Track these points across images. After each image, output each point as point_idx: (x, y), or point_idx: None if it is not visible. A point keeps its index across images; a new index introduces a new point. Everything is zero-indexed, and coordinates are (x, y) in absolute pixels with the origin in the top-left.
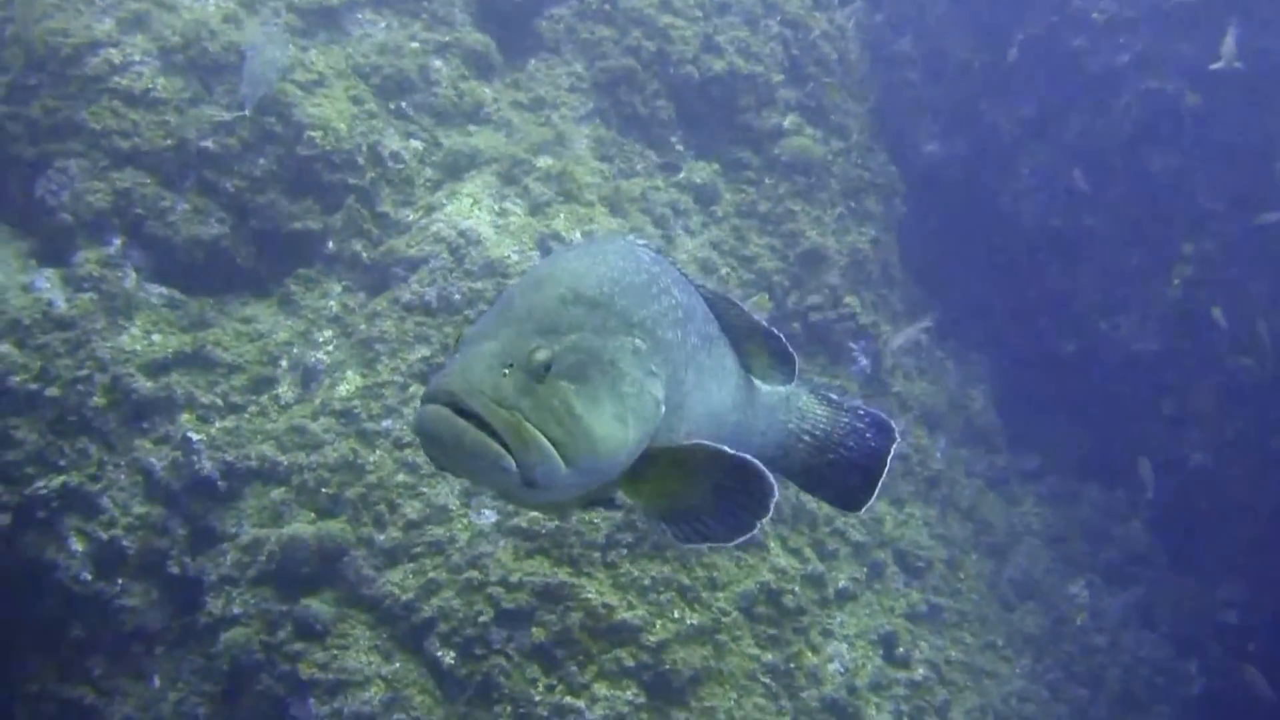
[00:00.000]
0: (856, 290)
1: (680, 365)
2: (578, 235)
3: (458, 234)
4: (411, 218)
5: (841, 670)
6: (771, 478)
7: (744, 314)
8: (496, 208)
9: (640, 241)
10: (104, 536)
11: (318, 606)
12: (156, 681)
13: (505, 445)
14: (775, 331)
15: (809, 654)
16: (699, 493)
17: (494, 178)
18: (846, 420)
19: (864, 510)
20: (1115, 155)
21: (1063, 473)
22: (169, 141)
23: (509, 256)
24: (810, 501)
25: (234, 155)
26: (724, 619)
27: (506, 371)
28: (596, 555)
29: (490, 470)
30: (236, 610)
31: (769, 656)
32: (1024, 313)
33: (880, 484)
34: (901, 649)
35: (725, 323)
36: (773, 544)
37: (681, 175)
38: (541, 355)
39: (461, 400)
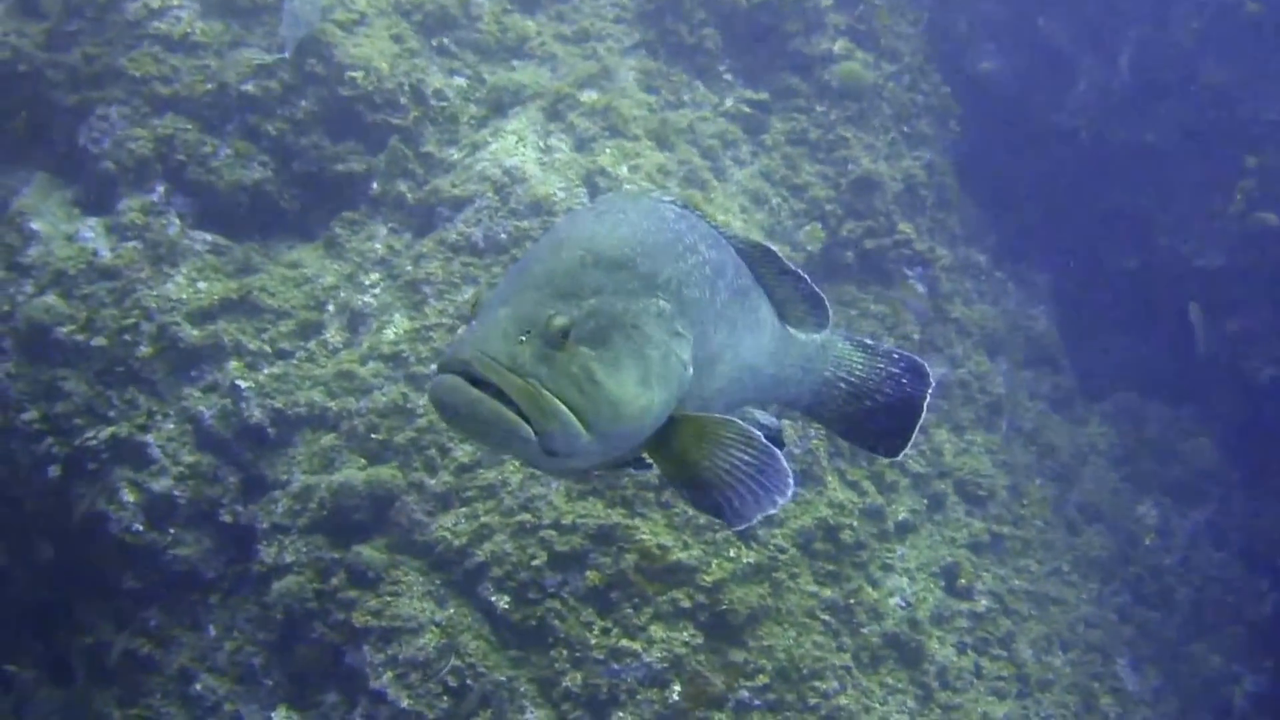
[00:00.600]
0: (911, 216)
1: (708, 323)
2: (624, 171)
3: (503, 172)
4: (456, 157)
5: (903, 605)
6: (789, 468)
7: (779, 261)
8: (541, 145)
9: (666, 198)
10: (155, 487)
11: (370, 553)
12: (212, 631)
13: (522, 414)
14: (808, 278)
15: (869, 589)
16: (719, 468)
17: (539, 114)
18: (882, 365)
19: (900, 455)
20: (1174, 67)
21: (1128, 391)
22: (209, 86)
23: (555, 194)
24: None
25: (275, 98)
26: (781, 557)
27: (523, 339)
28: (650, 496)
29: (509, 439)
30: (289, 559)
31: (828, 593)
32: (1084, 230)
33: (918, 428)
34: (964, 581)
35: (759, 272)
36: (830, 478)
37: (730, 105)
38: (559, 321)
39: (475, 370)
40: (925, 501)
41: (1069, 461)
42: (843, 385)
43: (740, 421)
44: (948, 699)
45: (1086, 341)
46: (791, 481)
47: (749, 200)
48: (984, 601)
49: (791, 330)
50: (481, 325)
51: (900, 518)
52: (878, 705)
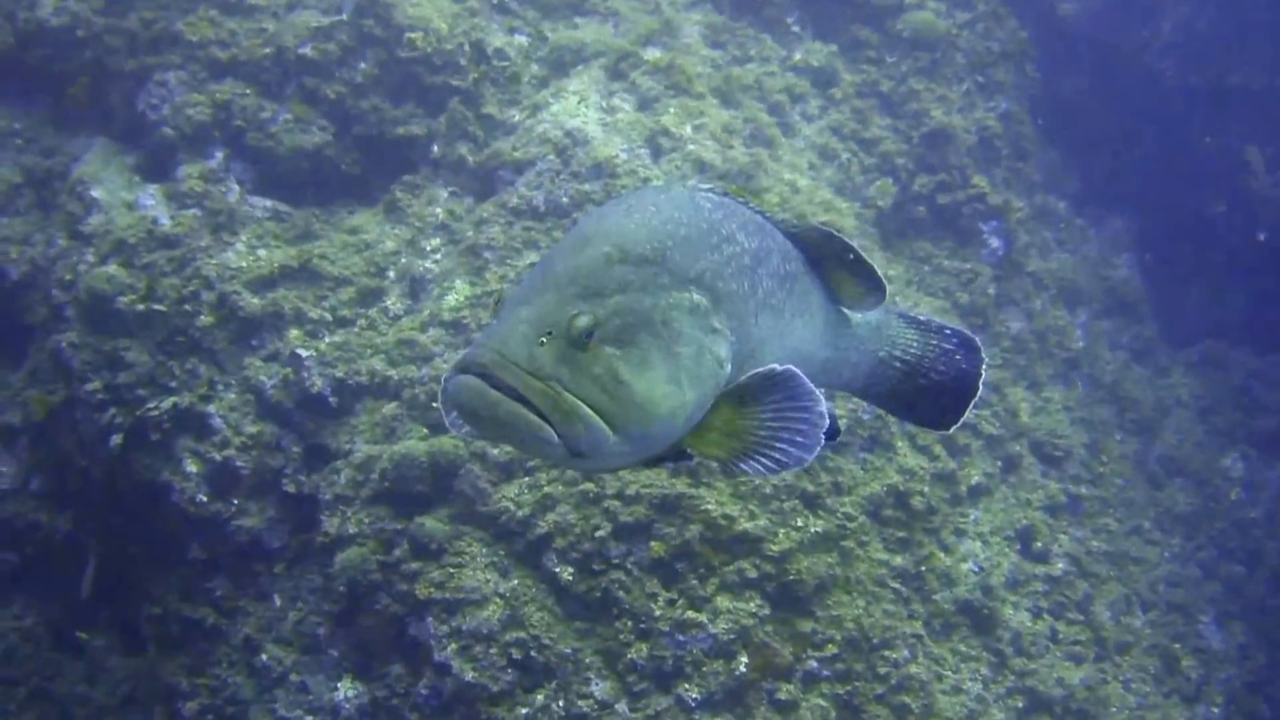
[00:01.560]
0: (986, 169)
1: (749, 315)
2: (688, 130)
3: (564, 134)
4: (517, 118)
5: (976, 570)
6: (803, 377)
7: (833, 241)
8: (604, 105)
9: (704, 186)
10: (217, 457)
11: (432, 524)
12: (277, 601)
13: (543, 417)
14: (865, 258)
15: (941, 556)
16: (761, 422)
17: (601, 73)
18: (936, 343)
19: (951, 430)
20: (1263, 6)
21: (1214, 339)
22: (267, 50)
23: (617, 156)
24: None
25: (334, 61)
26: (850, 525)
27: (544, 340)
28: (715, 465)
29: (531, 442)
30: (352, 530)
31: (898, 560)
32: (1169, 174)
33: (973, 404)
34: (1040, 544)
35: (814, 254)
36: (900, 444)
37: (798, 58)
38: (582, 321)
39: (493, 373)
40: (999, 464)
41: (1151, 414)
42: (898, 365)
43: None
44: (1022, 665)
45: (1170, 289)
46: (818, 394)
47: (817, 156)
48: (1060, 564)
49: (847, 312)
50: (501, 326)
51: (973, 481)
52: (950, 673)
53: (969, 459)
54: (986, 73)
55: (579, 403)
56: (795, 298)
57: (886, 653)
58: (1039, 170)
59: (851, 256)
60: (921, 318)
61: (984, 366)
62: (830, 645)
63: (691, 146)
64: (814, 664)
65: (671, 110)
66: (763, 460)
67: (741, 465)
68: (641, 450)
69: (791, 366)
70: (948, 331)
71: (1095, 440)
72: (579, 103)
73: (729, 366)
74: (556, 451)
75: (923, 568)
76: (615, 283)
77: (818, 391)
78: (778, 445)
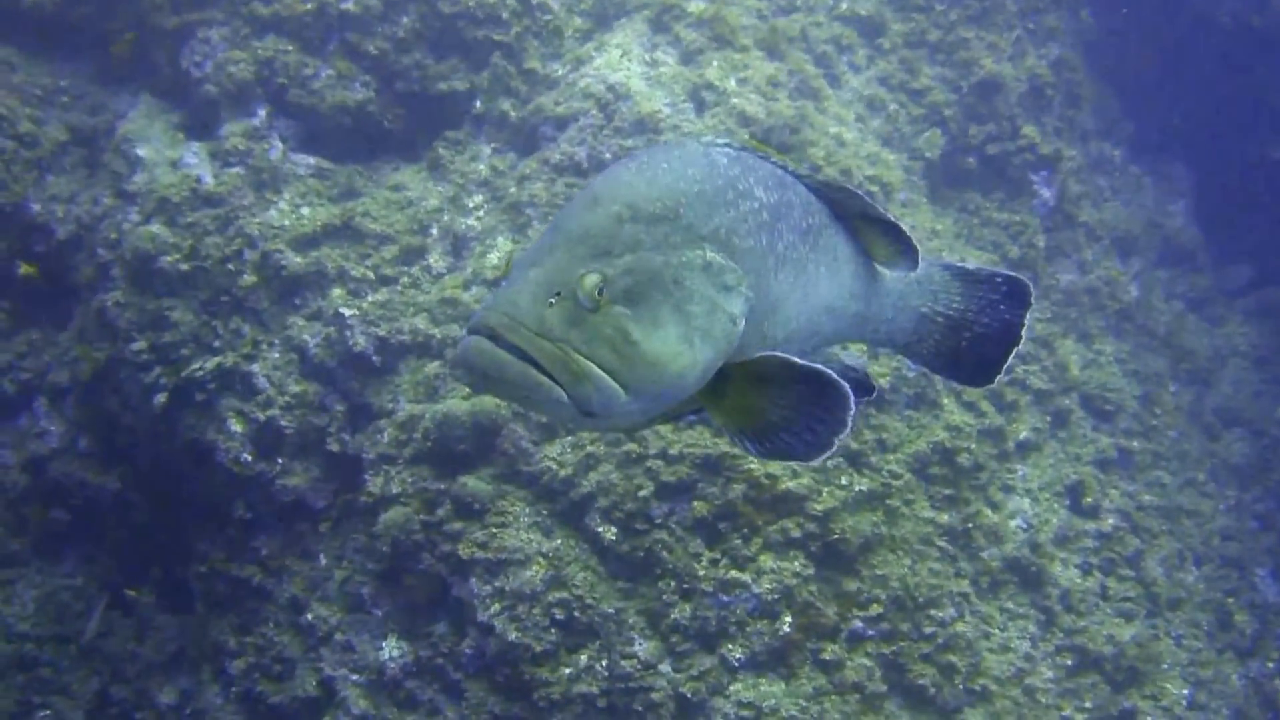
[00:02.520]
0: (1037, 118)
1: (768, 271)
2: (732, 83)
3: (607, 88)
4: (560, 72)
5: (1024, 527)
6: (849, 391)
7: (861, 202)
8: (647, 58)
9: (720, 140)
10: (261, 417)
11: (475, 484)
12: (323, 560)
13: (553, 378)
14: (892, 218)
15: (988, 512)
16: (778, 407)
17: (644, 25)
18: (983, 293)
19: (995, 382)
20: None
21: (1273, 286)
22: (309, 5)
23: (660, 111)
24: None
25: (376, 16)
26: (895, 483)
27: (553, 300)
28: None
29: (541, 402)
30: (395, 489)
31: (944, 518)
32: (1227, 119)
33: (1011, 356)
34: (1090, 499)
35: (837, 210)
36: (946, 401)
37: (845, 8)
38: (591, 281)
39: (502, 335)
40: (1048, 419)
41: (1206, 365)
42: (940, 320)
43: (784, 355)
44: (1072, 622)
45: (1228, 236)
46: (849, 394)
47: (864, 108)
48: (1111, 519)
49: (881, 268)
50: (510, 287)
51: (1021, 437)
52: (997, 631)
53: (1017, 414)
54: (1037, 19)
55: (589, 363)
56: (819, 251)
57: (933, 611)
58: (1093, 118)
59: (878, 217)
60: (970, 267)
61: (1028, 314)
62: (875, 604)
63: (735, 100)
64: (859, 623)
65: (715, 63)
66: (768, 445)
67: (748, 444)
68: (654, 408)
69: (819, 366)
70: (998, 279)
71: (1148, 392)
72: (621, 56)
73: (743, 323)
74: (567, 411)
75: (969, 525)
76: (626, 242)
77: (849, 396)
78: (785, 434)
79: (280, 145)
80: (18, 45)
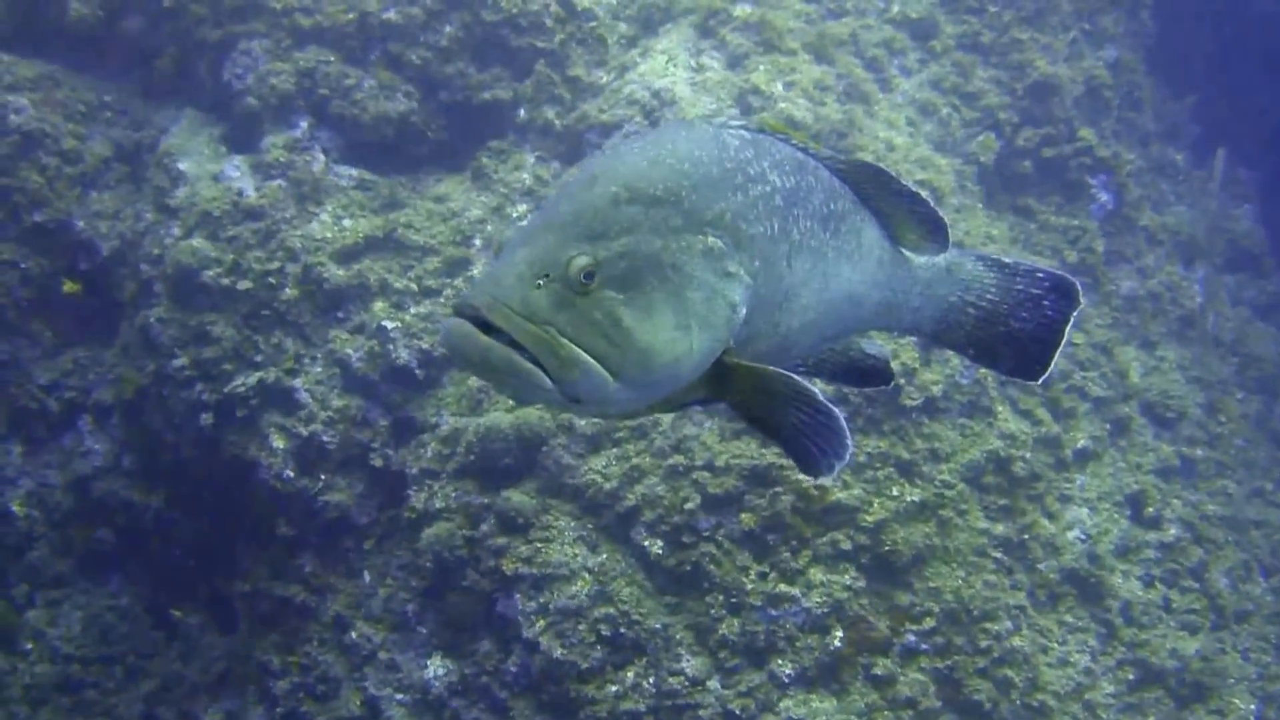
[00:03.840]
0: (1094, 120)
1: (779, 258)
2: (779, 88)
3: (651, 95)
4: (604, 80)
5: (1082, 538)
6: (847, 430)
7: (891, 181)
8: (693, 63)
9: (734, 122)
10: (303, 432)
11: (519, 498)
12: (366, 577)
13: (538, 363)
14: (923, 196)
15: (1045, 523)
16: (780, 419)
17: (690, 30)
18: (1021, 287)
19: (1039, 380)
20: None
21: None
22: (351, 15)
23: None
24: None
25: (418, 25)
26: (948, 493)
27: (541, 283)
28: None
29: (525, 388)
30: (438, 504)
31: (999, 529)
32: None
33: (1058, 353)
34: (1151, 509)
35: (866, 193)
36: (1000, 408)
37: (895, 10)
38: (581, 262)
39: (485, 316)
40: (1107, 427)
41: (1275, 371)
42: (971, 310)
43: (794, 377)
44: (1133, 635)
45: None
46: (849, 445)
47: (916, 112)
48: (1173, 530)
49: (907, 254)
50: (498, 267)
51: (1079, 445)
52: (1056, 645)
53: (1074, 422)
54: (1094, 20)
55: (575, 348)
56: (841, 238)
57: (988, 625)
58: (1154, 121)
59: (909, 196)
60: (1006, 260)
61: (1075, 313)
62: (928, 618)
63: (782, 104)
64: (912, 637)
65: (762, 68)
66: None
67: (755, 429)
68: (648, 396)
69: (832, 409)
70: (1039, 275)
71: (1212, 400)
72: (667, 62)
73: (744, 311)
74: (552, 397)
75: (1026, 536)
76: (622, 224)
77: (849, 441)
78: (796, 446)
79: (322, 157)
80: (62, 60)
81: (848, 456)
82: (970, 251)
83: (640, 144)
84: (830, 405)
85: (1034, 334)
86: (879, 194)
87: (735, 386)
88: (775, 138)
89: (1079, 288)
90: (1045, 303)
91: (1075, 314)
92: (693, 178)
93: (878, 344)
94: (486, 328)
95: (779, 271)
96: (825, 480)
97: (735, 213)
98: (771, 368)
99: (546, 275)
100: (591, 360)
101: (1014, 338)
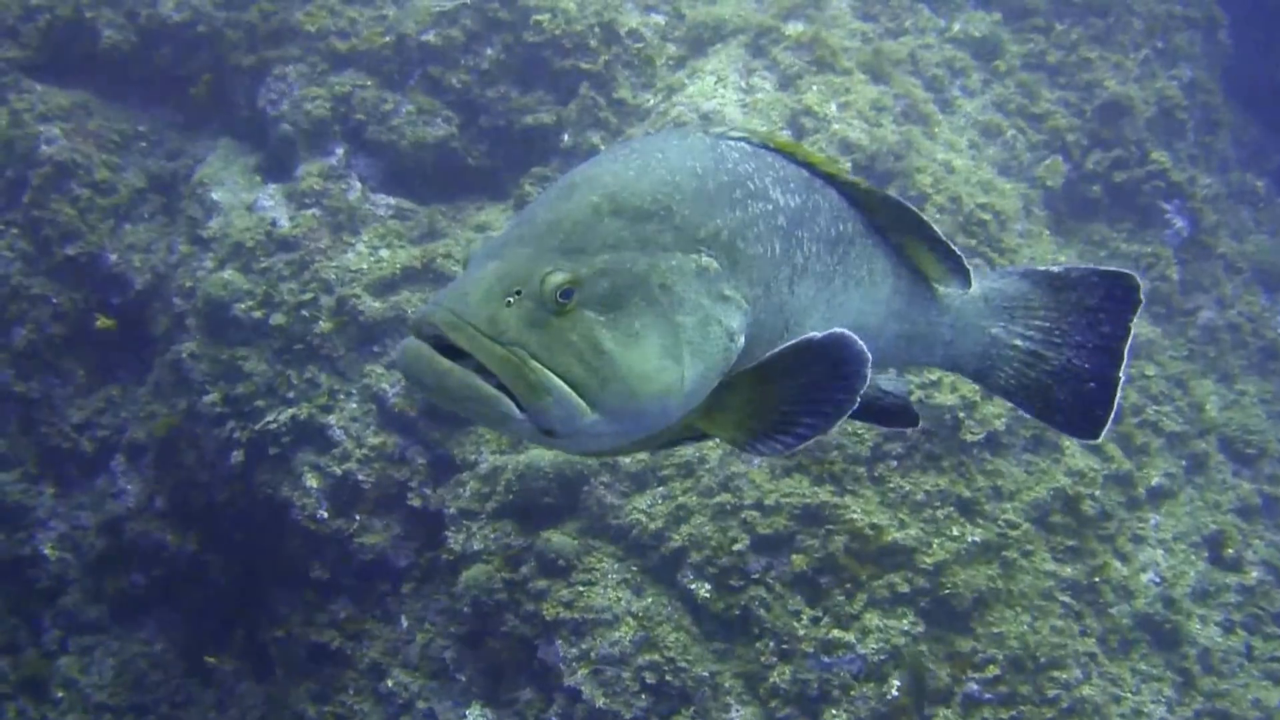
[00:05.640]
0: (1168, 143)
1: (780, 282)
2: (832, 109)
3: (699, 117)
4: (651, 102)
5: (1156, 580)
6: (858, 341)
7: (907, 214)
8: (743, 84)
9: (735, 133)
10: (338, 471)
11: (560, 540)
12: (404, 623)
13: (503, 387)
14: (942, 236)
15: (1116, 565)
16: (786, 395)
17: (740, 50)
18: (1074, 300)
19: (1100, 438)
20: None
21: None
22: (388, 38)
23: None
24: None
25: (458, 48)
26: (1012, 533)
27: (511, 300)
28: (861, 470)
29: (491, 416)
30: (477, 546)
31: (1067, 572)
32: None
33: (1119, 389)
34: (1231, 550)
35: (880, 223)
36: (1067, 443)
37: (957, 29)
38: (557, 279)
39: (445, 335)
40: (1183, 463)
41: None
42: (1019, 343)
43: (791, 342)
44: (1212, 685)
45: None
46: (865, 360)
47: (979, 134)
48: (1255, 572)
49: (935, 284)
50: (463, 281)
51: (1153, 483)
52: (1129, 694)
53: (1148, 459)
54: (1166, 39)
55: (547, 373)
56: (850, 263)
57: (1055, 673)
58: (1233, 146)
59: (925, 231)
60: (1056, 269)
61: (1133, 318)
62: (991, 666)
63: (836, 126)
64: (974, 686)
65: (815, 88)
66: (782, 439)
67: (760, 446)
68: (632, 431)
69: (838, 329)
70: (1093, 279)
71: None
72: (716, 83)
73: (741, 339)
74: (522, 427)
75: (1096, 579)
76: (604, 238)
77: (865, 352)
78: (802, 419)
79: (359, 185)
80: (95, 89)
81: (867, 370)
82: (1015, 270)
83: (625, 150)
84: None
85: (1089, 368)
86: (895, 227)
87: (736, 400)
88: (780, 155)
89: (1138, 281)
90: (1101, 315)
91: (1133, 320)
92: (684, 190)
93: (897, 380)
94: (452, 349)
95: (781, 297)
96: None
97: (733, 231)
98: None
99: (517, 292)
100: (565, 387)
101: (1068, 377)
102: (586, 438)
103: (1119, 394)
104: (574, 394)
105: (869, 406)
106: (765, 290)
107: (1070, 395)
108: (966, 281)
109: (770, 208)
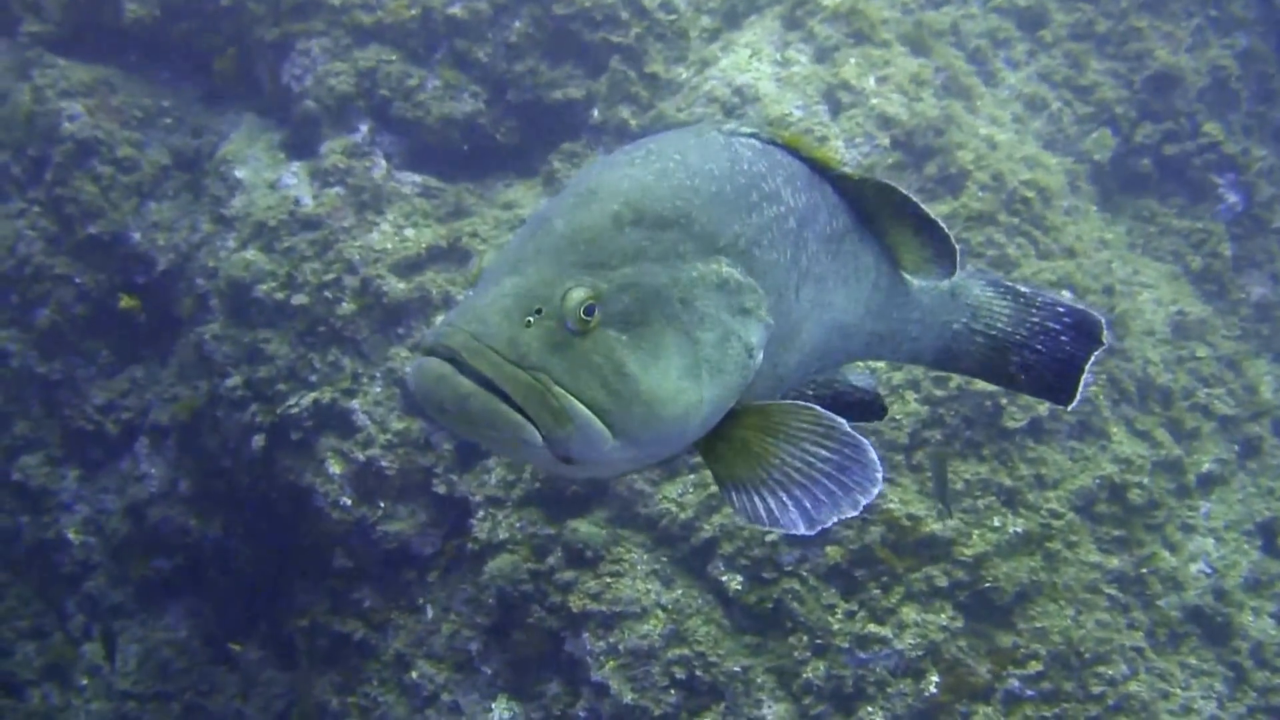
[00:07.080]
0: (1221, 114)
1: (790, 289)
2: (870, 83)
3: (732, 92)
4: (683, 76)
5: (1207, 571)
6: (876, 460)
7: (895, 198)
8: (778, 57)
9: (744, 130)
10: (361, 457)
11: (588, 529)
12: (429, 613)
13: (525, 414)
14: (934, 218)
15: (1165, 556)
16: (792, 464)
17: (775, 22)
18: (1036, 319)
19: (1070, 406)
20: None
21: None
22: (413, 11)
23: (790, 114)
24: (1161, 375)
25: (485, 20)
26: (1055, 523)
27: (532, 319)
28: (899, 458)
29: (511, 444)
30: (503, 535)
31: (1114, 563)
32: None
33: (1081, 386)
34: None
35: (870, 211)
36: (1114, 429)
37: None
38: (579, 295)
39: (465, 360)
40: (1236, 448)
41: None
42: (980, 339)
43: (817, 409)
44: (1265, 680)
45: None
46: (879, 476)
47: (1023, 107)
48: None
49: (908, 277)
50: (480, 299)
51: (1204, 469)
52: (1178, 690)
53: (1198, 444)
54: (1220, 6)
55: (572, 400)
56: (840, 261)
57: (1101, 668)
58: None
59: (915, 215)
60: (1023, 288)
61: (1095, 354)
62: (1034, 661)
63: (874, 100)
64: (1015, 683)
65: (852, 60)
66: (769, 502)
67: (738, 499)
68: (646, 456)
69: (848, 430)
70: (1060, 309)
71: None
72: (750, 56)
73: (760, 355)
74: (540, 456)
75: (1143, 570)
76: (625, 250)
77: (876, 460)
78: (794, 492)
79: (384, 163)
80: (119, 64)
81: (876, 490)
82: (978, 274)
83: (640, 152)
84: (855, 435)
85: (1051, 365)
86: (882, 212)
87: (737, 432)
88: (786, 150)
89: (1104, 326)
90: (1064, 338)
91: (1097, 353)
92: (704, 195)
93: (864, 374)
94: (465, 372)
95: (788, 304)
96: (835, 521)
97: (750, 237)
98: (784, 403)
99: (538, 310)
100: (590, 414)
101: (1029, 368)
102: (604, 465)
103: (1080, 387)
104: (598, 421)
105: (838, 403)
106: (778, 299)
107: (1032, 380)
108: (951, 266)
109: (783, 210)
